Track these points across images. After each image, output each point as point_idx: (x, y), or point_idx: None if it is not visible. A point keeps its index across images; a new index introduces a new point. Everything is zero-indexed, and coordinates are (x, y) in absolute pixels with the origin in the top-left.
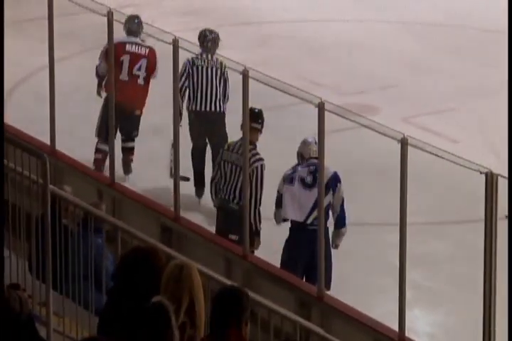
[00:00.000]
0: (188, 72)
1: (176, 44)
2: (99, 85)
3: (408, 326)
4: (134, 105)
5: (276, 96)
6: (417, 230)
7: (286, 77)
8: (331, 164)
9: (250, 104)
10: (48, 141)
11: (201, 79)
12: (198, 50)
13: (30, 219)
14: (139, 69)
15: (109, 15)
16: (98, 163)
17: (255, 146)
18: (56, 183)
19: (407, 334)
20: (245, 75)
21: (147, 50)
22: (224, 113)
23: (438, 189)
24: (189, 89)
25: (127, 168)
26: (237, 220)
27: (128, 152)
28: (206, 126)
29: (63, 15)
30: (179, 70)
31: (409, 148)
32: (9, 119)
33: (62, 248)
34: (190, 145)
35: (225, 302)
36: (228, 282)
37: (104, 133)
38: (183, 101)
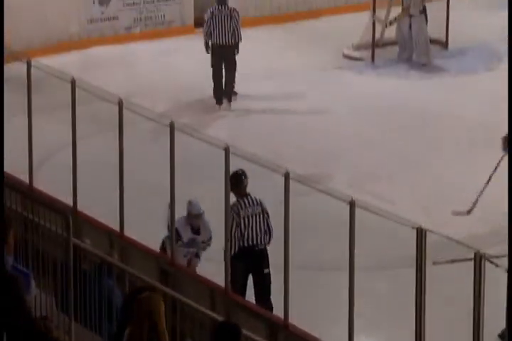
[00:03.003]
0: (209, 20)
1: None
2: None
3: None
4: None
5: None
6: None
7: (259, 151)
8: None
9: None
10: (71, 203)
11: (218, 24)
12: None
13: (55, 264)
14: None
15: (120, 103)
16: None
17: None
18: (77, 236)
19: None
20: (227, 151)
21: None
22: (235, 45)
23: (379, 240)
24: (211, 31)
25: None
26: (266, 255)
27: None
28: (221, 53)
29: (85, 103)
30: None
31: (357, 209)
32: (42, 186)
33: (81, 288)
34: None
35: (224, 337)
36: (213, 314)
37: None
38: (209, 38)
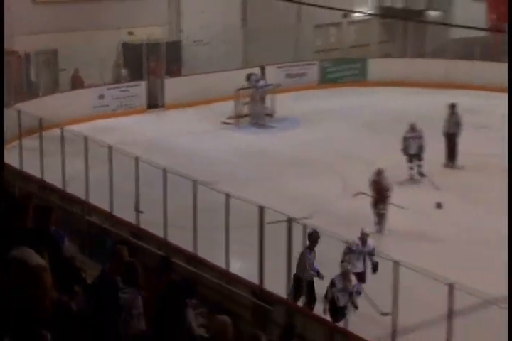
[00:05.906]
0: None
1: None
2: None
3: None
4: None
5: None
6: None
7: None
8: None
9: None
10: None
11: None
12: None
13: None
14: None
15: (110, 149)
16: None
17: None
18: (89, 215)
19: None
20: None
21: None
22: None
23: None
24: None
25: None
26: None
27: None
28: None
29: (92, 149)
30: None
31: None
32: (71, 191)
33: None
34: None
35: (163, 263)
36: (160, 253)
37: None
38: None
